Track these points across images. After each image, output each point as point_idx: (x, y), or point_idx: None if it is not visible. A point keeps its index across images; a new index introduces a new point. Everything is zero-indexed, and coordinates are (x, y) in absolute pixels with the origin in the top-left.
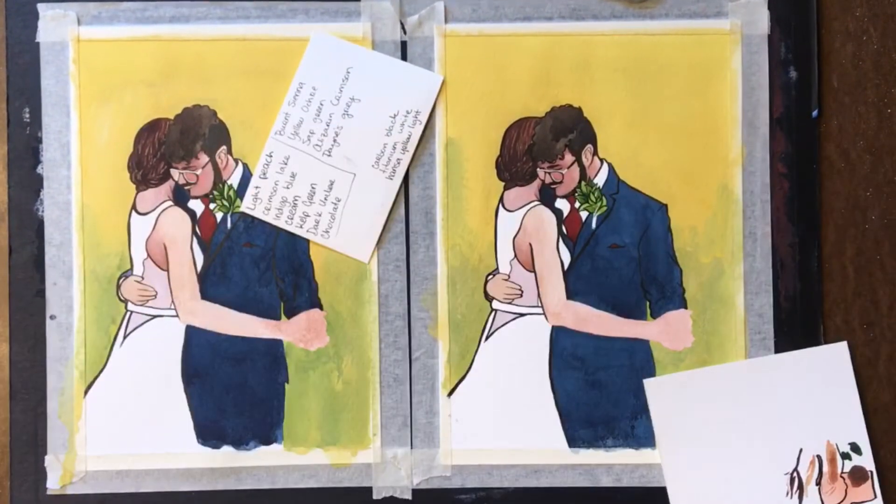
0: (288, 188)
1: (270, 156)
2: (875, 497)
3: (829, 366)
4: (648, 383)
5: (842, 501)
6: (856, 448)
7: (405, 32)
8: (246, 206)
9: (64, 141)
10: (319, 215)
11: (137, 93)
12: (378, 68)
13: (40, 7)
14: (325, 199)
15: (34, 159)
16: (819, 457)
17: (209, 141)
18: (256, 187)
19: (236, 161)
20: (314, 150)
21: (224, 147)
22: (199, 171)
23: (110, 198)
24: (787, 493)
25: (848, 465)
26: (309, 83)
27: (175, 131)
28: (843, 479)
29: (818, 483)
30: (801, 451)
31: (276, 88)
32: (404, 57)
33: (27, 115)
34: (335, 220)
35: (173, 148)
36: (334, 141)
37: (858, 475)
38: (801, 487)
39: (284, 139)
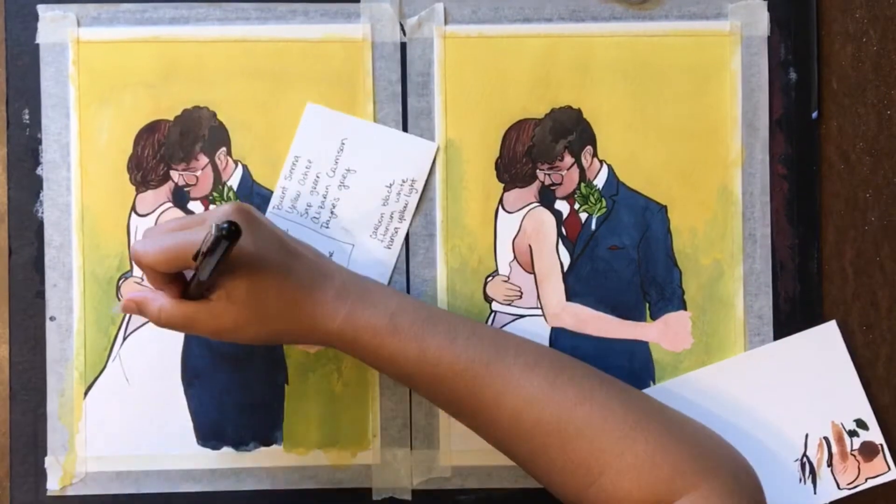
0: None
1: None
2: (890, 469)
3: (823, 346)
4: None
5: (856, 478)
6: (862, 424)
7: (404, 34)
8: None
9: (63, 142)
10: None
11: (137, 94)
12: (372, 138)
13: (40, 8)
14: None
15: (34, 161)
16: (826, 438)
17: (209, 142)
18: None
19: (236, 163)
20: (312, 222)
21: (224, 148)
22: (198, 173)
23: (110, 199)
24: (801, 480)
25: (857, 442)
26: (304, 156)
27: (175, 133)
28: (854, 456)
29: (830, 465)
30: (807, 435)
31: (275, 90)
32: (404, 57)
33: (27, 117)
34: None
35: (173, 149)
36: (331, 213)
37: (869, 450)
38: (813, 472)
39: (282, 213)
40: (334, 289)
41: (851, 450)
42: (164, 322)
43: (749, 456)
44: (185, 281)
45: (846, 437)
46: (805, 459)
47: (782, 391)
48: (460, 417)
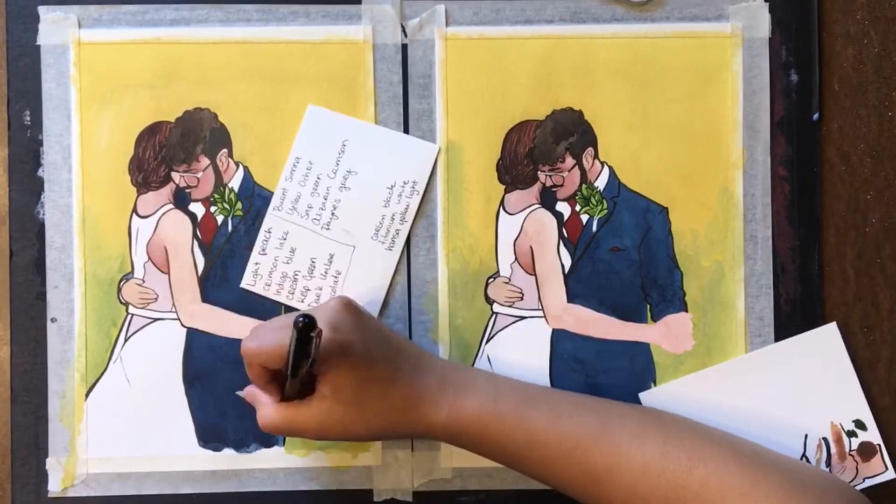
0: (288, 263)
1: (269, 231)
2: (887, 469)
3: (822, 348)
4: (644, 396)
5: (854, 478)
6: (860, 424)
7: (406, 35)
8: (246, 282)
9: (65, 144)
10: (320, 289)
11: (138, 96)
12: (373, 140)
13: (41, 10)
14: (326, 272)
15: (35, 162)
16: (825, 439)
17: (210, 144)
18: (256, 263)
19: (237, 164)
20: (313, 224)
21: (225, 150)
22: (199, 175)
23: (111, 201)
24: None
25: (855, 443)
26: (305, 157)
27: (176, 134)
28: (853, 456)
29: (828, 465)
30: (806, 436)
31: (277, 91)
32: (405, 59)
33: (28, 118)
34: (336, 293)
35: (174, 151)
36: (332, 214)
37: (867, 450)
38: None
39: (283, 214)
40: (436, 380)
41: (850, 450)
42: (267, 426)
43: None
44: (282, 383)
45: (845, 437)
46: (804, 459)
47: (782, 392)
48: (571, 492)
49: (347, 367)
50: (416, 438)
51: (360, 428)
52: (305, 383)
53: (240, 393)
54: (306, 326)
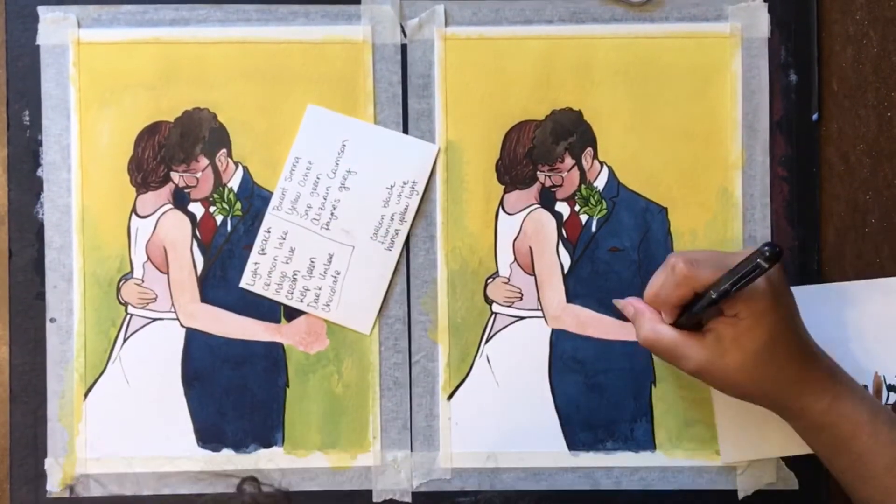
0: (287, 263)
1: (269, 231)
2: None
3: (881, 299)
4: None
5: None
6: None
7: (405, 35)
8: (245, 282)
9: (64, 144)
10: (319, 289)
11: (137, 96)
12: (373, 140)
13: (40, 10)
14: (325, 272)
15: (34, 162)
16: (865, 387)
17: (209, 144)
18: (256, 263)
19: (236, 164)
20: (312, 223)
21: (224, 150)
22: (199, 174)
23: (110, 201)
24: None
25: (893, 398)
26: (305, 157)
27: (175, 134)
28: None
29: None
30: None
31: (276, 91)
32: (405, 59)
33: (27, 118)
34: (335, 293)
35: (173, 151)
36: (332, 214)
37: None
38: None
39: (282, 214)
40: (826, 369)
41: (887, 402)
42: (650, 340)
43: None
44: (681, 313)
45: (885, 389)
46: None
47: (832, 332)
48: None
49: (767, 318)
50: (779, 413)
51: (745, 380)
52: (694, 322)
53: (619, 301)
54: (774, 256)
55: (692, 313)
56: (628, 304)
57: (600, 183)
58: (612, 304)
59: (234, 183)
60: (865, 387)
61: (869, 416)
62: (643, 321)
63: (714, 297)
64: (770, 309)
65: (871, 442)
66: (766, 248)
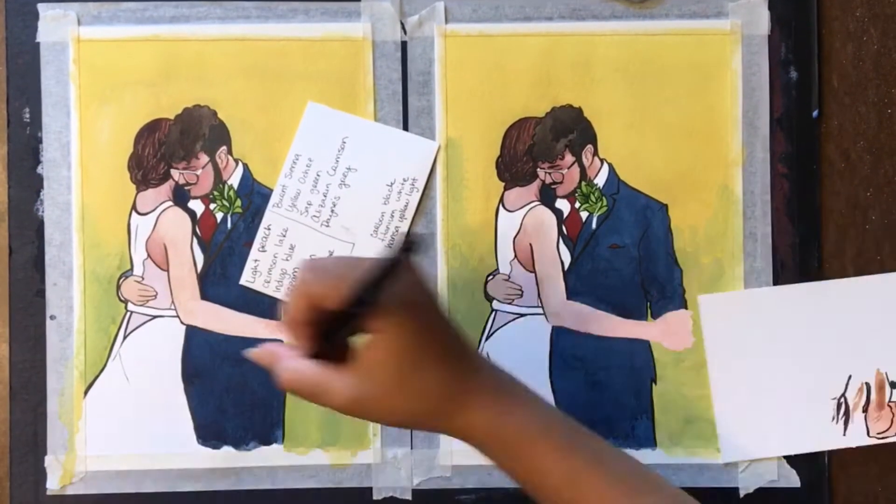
0: (287, 260)
1: (269, 228)
2: None
3: (882, 296)
4: (703, 300)
5: (888, 429)
6: None
7: (405, 32)
8: (245, 279)
9: (64, 141)
10: None
11: (137, 93)
12: (373, 137)
13: (40, 7)
14: None
15: (34, 159)
16: (868, 384)
17: (209, 141)
18: (256, 260)
19: (236, 161)
20: (312, 221)
21: (224, 147)
22: (199, 172)
23: (110, 198)
24: (833, 418)
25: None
26: (305, 154)
27: (175, 131)
28: (891, 408)
29: (865, 410)
30: (850, 377)
31: (276, 88)
32: (405, 56)
33: (27, 116)
34: None
35: (173, 148)
36: (332, 211)
37: None
38: (847, 413)
39: (282, 211)
40: (487, 379)
41: (889, 400)
42: (288, 383)
43: (787, 384)
44: (320, 340)
45: (887, 387)
46: (843, 399)
47: (835, 328)
48: None
49: (406, 327)
50: (443, 433)
51: (397, 407)
52: (337, 349)
53: (250, 352)
54: (411, 246)
55: (331, 337)
56: (263, 350)
57: (600, 180)
58: (614, 301)
59: (235, 180)
60: (867, 385)
61: (540, 430)
62: (279, 363)
63: (351, 309)
64: (408, 317)
65: (544, 456)
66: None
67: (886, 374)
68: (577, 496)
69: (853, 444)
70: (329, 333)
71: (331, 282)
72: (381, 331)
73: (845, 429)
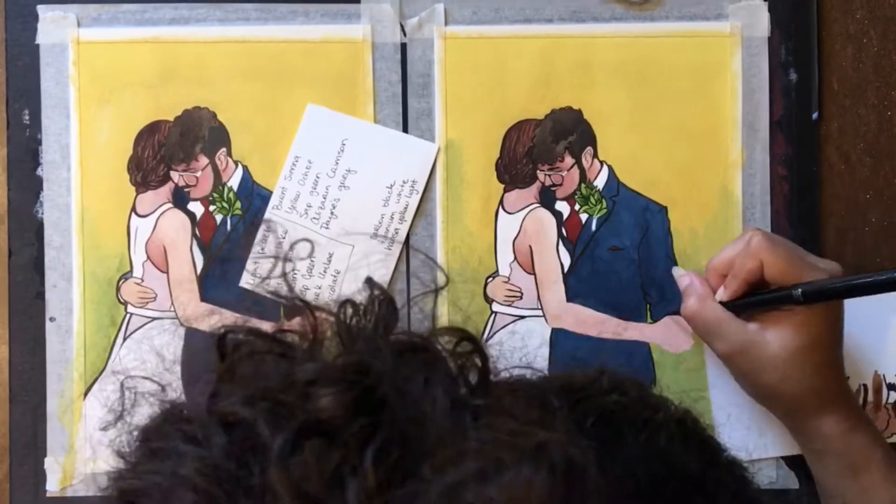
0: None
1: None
2: None
3: (881, 297)
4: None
5: (884, 430)
6: None
7: (405, 34)
8: (245, 281)
9: (63, 143)
10: (319, 288)
11: (137, 95)
12: (372, 139)
13: (40, 9)
14: (325, 271)
15: (34, 161)
16: (865, 385)
17: (209, 143)
18: (255, 262)
19: (236, 163)
20: (312, 223)
21: (224, 149)
22: (198, 174)
23: (110, 200)
24: None
25: (893, 397)
26: (304, 156)
27: (175, 133)
28: (888, 409)
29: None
30: (847, 378)
31: (276, 90)
32: (404, 58)
33: (27, 118)
34: (335, 292)
35: (173, 150)
36: (332, 213)
37: None
38: None
39: (282, 213)
40: (850, 398)
41: (886, 402)
42: (693, 311)
43: None
44: (746, 291)
45: (885, 389)
46: None
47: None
48: None
49: (817, 321)
50: (792, 428)
51: (774, 377)
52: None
53: (678, 270)
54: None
55: (758, 303)
56: (686, 275)
57: (600, 182)
58: (613, 304)
59: (234, 182)
60: (864, 386)
61: (882, 455)
62: (691, 292)
63: (799, 297)
64: (824, 313)
65: (879, 479)
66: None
67: (884, 376)
68: None
69: None
70: (752, 296)
71: (781, 256)
72: (797, 312)
73: None
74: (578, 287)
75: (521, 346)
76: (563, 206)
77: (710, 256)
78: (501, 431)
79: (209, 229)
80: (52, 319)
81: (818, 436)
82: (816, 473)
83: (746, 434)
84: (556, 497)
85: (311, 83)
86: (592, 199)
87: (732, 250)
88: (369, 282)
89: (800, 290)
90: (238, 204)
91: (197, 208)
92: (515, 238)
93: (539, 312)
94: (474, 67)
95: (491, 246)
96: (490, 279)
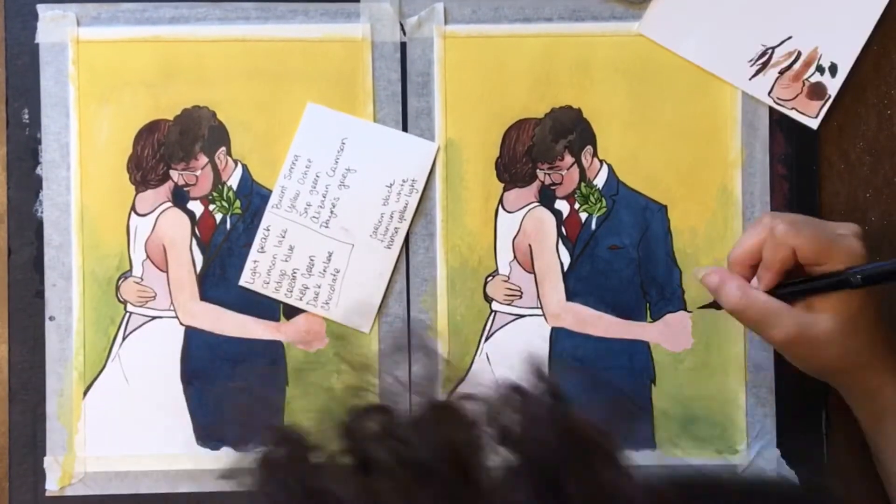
0: (286, 261)
1: (268, 229)
2: (817, 116)
3: None
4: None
5: (789, 100)
6: (833, 69)
7: (404, 33)
8: (245, 280)
9: (63, 142)
10: (319, 287)
11: (137, 94)
12: (372, 138)
13: (39, 8)
14: (325, 270)
15: (33, 160)
16: (799, 52)
17: (208, 142)
18: (255, 261)
19: (235, 162)
20: (311, 222)
21: (223, 148)
22: (198, 173)
23: (110, 199)
24: (751, 61)
25: (815, 78)
26: (304, 155)
27: (174, 132)
28: (802, 85)
29: (781, 72)
30: (790, 37)
31: (275, 89)
32: (404, 57)
33: (26, 117)
34: (335, 291)
35: (172, 149)
36: (331, 212)
37: (817, 91)
38: (765, 63)
39: (282, 212)
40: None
41: (805, 78)
42: (741, 306)
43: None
44: (781, 277)
45: (813, 66)
46: (771, 51)
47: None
48: None
49: (861, 299)
50: (853, 392)
51: (832, 352)
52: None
53: (700, 270)
54: None
55: (814, 289)
56: (712, 272)
57: (600, 181)
58: (613, 303)
59: (234, 181)
60: (799, 53)
61: None
62: (731, 287)
63: (858, 281)
64: (867, 299)
65: None
66: None
67: (821, 55)
68: None
69: (750, 91)
70: (789, 277)
71: (808, 238)
72: (844, 301)
73: (754, 74)
74: (578, 286)
75: (521, 345)
76: (562, 205)
77: (710, 255)
78: None
79: (209, 228)
80: (51, 318)
81: (877, 396)
82: (874, 437)
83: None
84: None
85: (311, 82)
86: (592, 198)
87: (753, 238)
88: (538, 374)
89: (858, 275)
90: (238, 203)
91: (196, 207)
92: (515, 237)
93: (539, 311)
94: (474, 66)
95: (490, 245)
96: (490, 278)
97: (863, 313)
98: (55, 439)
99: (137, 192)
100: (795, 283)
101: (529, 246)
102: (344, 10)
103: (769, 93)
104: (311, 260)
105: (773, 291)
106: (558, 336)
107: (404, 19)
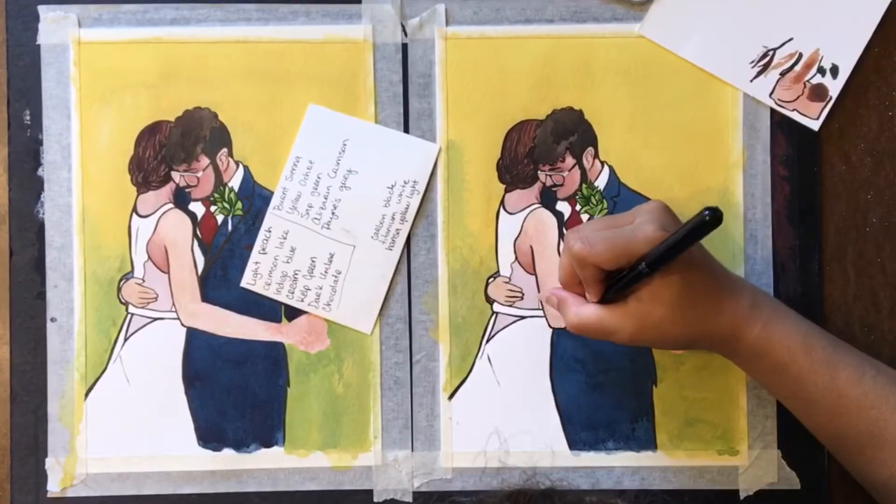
0: (288, 262)
1: (269, 231)
2: (818, 118)
3: None
4: None
5: (790, 101)
6: (835, 71)
7: (406, 35)
8: (246, 281)
9: (64, 143)
10: (320, 288)
11: (138, 95)
12: (374, 139)
13: (41, 9)
14: (326, 272)
15: (35, 162)
16: (801, 54)
17: (210, 143)
18: (256, 263)
19: (237, 163)
20: (313, 223)
21: (225, 149)
22: (199, 174)
23: (111, 200)
24: (753, 63)
25: (817, 79)
26: (305, 156)
27: (176, 134)
28: (804, 86)
29: (782, 74)
30: (791, 39)
31: (277, 91)
32: (405, 58)
33: (28, 118)
34: (336, 292)
35: (174, 150)
36: (333, 214)
37: (818, 92)
38: (767, 64)
39: (283, 213)
40: (749, 298)
41: (806, 79)
42: (576, 324)
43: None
44: (603, 289)
45: (814, 68)
46: (772, 52)
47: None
48: (842, 452)
49: (679, 269)
50: (722, 352)
51: (677, 331)
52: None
53: (544, 295)
54: (714, 220)
55: (620, 289)
56: (551, 295)
57: (601, 182)
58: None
59: (235, 182)
60: (800, 54)
61: (801, 339)
62: (566, 308)
63: (646, 270)
64: (687, 269)
65: (807, 364)
66: (707, 211)
67: (822, 57)
68: (836, 405)
69: (751, 93)
70: (612, 280)
71: (602, 249)
72: (664, 279)
73: (755, 76)
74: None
75: (522, 347)
76: (564, 207)
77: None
78: None
79: (210, 230)
80: (52, 320)
81: (739, 348)
82: (760, 383)
83: None
84: None
85: (313, 83)
86: (593, 200)
87: (563, 261)
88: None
89: (643, 263)
90: (239, 204)
91: (198, 209)
92: (516, 238)
93: (540, 313)
94: (475, 68)
95: (492, 246)
96: (491, 279)
97: (688, 282)
98: (57, 441)
99: (139, 193)
100: (616, 283)
101: (531, 247)
102: (345, 12)
103: (770, 94)
104: (313, 261)
105: (602, 300)
106: (560, 337)
107: (405, 20)
